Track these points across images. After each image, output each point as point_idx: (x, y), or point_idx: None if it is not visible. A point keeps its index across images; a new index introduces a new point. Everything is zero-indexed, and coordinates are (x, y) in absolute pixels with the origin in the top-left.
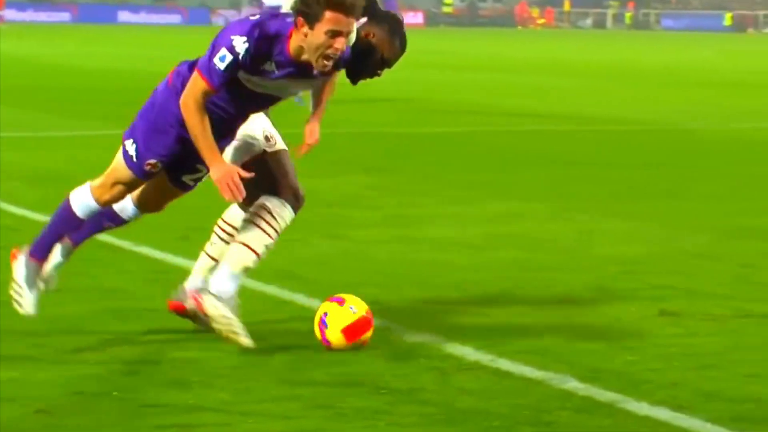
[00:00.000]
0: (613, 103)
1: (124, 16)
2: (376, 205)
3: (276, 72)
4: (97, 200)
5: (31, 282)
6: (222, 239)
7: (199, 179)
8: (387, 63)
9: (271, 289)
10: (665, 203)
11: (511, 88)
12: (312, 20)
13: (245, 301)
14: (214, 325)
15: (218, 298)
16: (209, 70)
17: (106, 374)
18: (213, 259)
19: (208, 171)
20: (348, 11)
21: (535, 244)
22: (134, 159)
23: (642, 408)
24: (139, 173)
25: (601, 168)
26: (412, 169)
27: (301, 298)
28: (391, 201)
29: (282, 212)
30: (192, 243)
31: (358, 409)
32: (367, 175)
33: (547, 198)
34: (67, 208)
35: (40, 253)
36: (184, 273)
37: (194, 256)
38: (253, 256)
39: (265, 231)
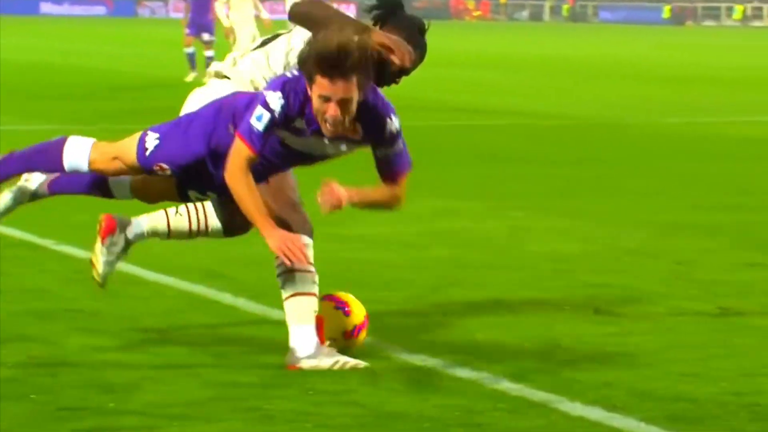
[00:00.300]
0: (548, 97)
1: (46, 7)
2: (307, 203)
3: (307, 130)
4: (89, 163)
5: None
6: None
7: (202, 200)
8: (404, 71)
9: (199, 289)
10: (600, 200)
11: (445, 82)
12: (309, 82)
13: (170, 301)
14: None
15: (309, 356)
16: (249, 133)
17: (24, 377)
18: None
19: (218, 197)
20: (333, 76)
21: (469, 241)
22: (147, 154)
23: (575, 408)
24: (146, 168)
25: (535, 164)
26: (344, 165)
27: (228, 298)
28: None
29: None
30: None
31: (285, 410)
32: (298, 172)
33: (482, 195)
34: (56, 150)
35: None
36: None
37: None
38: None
39: (303, 270)
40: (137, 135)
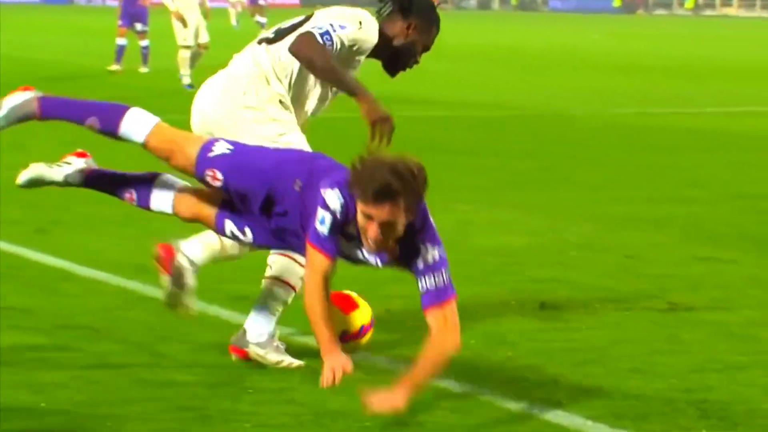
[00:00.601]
0: (496, 88)
1: None
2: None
3: (357, 237)
4: (145, 140)
5: (8, 116)
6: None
7: (235, 238)
8: (427, 49)
9: (134, 285)
10: (548, 193)
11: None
12: (356, 196)
13: (105, 297)
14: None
15: (259, 345)
16: (318, 239)
17: None
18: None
19: (252, 243)
20: (378, 200)
21: None
22: (210, 155)
23: (520, 406)
24: (198, 167)
25: (482, 156)
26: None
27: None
28: None
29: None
30: (49, 236)
31: (223, 410)
32: None
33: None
34: (118, 112)
35: (49, 106)
36: (40, 269)
37: (51, 250)
38: (292, 292)
39: (297, 261)
40: (207, 137)
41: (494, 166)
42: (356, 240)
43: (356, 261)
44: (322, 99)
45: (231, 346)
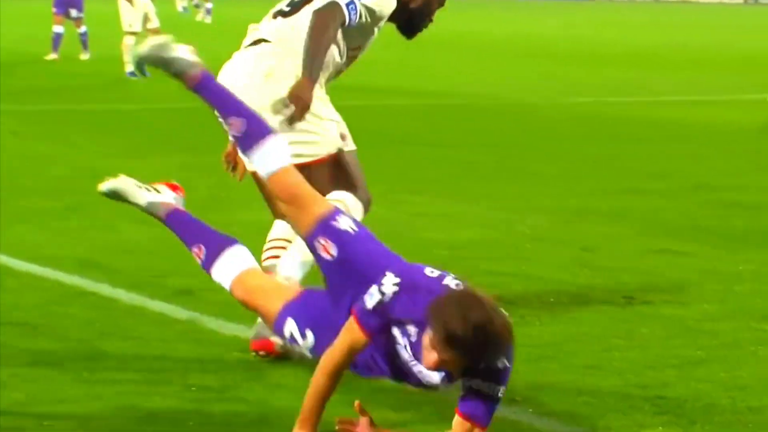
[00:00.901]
0: (449, 76)
1: None
2: (189, 187)
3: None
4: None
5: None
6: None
7: (291, 340)
8: (442, 4)
9: (73, 279)
10: (502, 184)
11: None
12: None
13: (44, 292)
14: None
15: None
16: (361, 312)
17: None
18: None
19: (308, 349)
20: (446, 345)
21: None
22: (330, 224)
23: None
24: (316, 230)
25: (434, 147)
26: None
27: (105, 289)
28: (205, 182)
29: (357, 210)
30: None
31: (165, 409)
32: (180, 155)
33: (376, 179)
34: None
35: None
36: None
37: None
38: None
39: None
40: (334, 205)
41: (447, 157)
42: (411, 344)
43: (405, 372)
44: (336, 72)
45: (255, 342)
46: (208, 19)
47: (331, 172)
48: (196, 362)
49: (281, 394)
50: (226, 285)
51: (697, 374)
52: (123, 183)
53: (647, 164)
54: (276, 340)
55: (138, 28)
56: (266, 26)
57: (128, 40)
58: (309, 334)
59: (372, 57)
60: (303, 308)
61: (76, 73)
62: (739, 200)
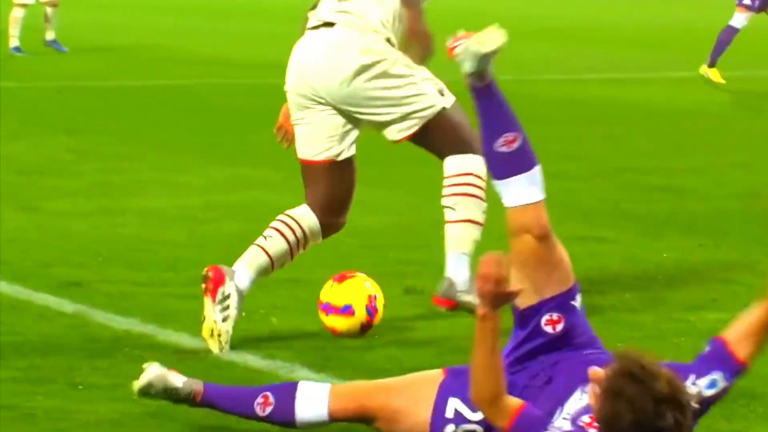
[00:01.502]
0: None
1: None
2: (76, 172)
3: None
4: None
5: None
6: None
7: (460, 420)
8: None
9: None
10: (411, 169)
11: (246, 35)
12: None
13: None
14: None
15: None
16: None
17: None
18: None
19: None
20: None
21: (263, 215)
22: (566, 302)
23: None
24: (540, 309)
25: None
26: (118, 129)
27: None
28: (94, 166)
29: (482, 170)
30: None
31: (48, 408)
32: (66, 137)
33: (278, 163)
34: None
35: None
36: None
37: None
38: (479, 228)
39: (481, 198)
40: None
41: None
42: None
43: None
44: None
45: (437, 299)
46: None
47: (443, 133)
48: (84, 359)
49: None
50: (323, 410)
51: None
52: (156, 371)
53: (562, 146)
54: (459, 299)
55: (30, 0)
56: (339, 8)
57: (17, 13)
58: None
59: (272, 32)
60: (461, 384)
61: None
62: (663, 184)
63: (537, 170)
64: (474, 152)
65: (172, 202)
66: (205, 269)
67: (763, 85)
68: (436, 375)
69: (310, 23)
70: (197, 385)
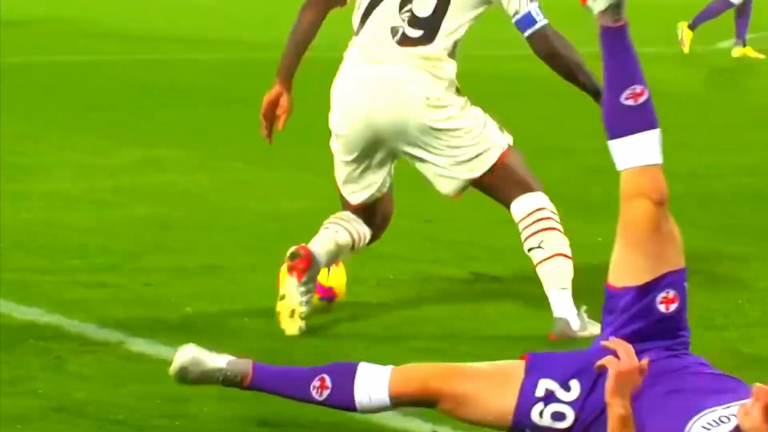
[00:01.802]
0: (276, 25)
1: None
2: None
3: None
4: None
5: None
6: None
7: (551, 399)
8: None
9: None
10: (329, 150)
11: (158, 8)
12: None
13: None
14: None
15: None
16: None
17: None
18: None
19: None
20: None
21: (177, 198)
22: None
23: None
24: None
25: (258, 107)
26: (20, 107)
27: None
28: None
29: (552, 205)
30: None
31: None
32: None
33: (193, 143)
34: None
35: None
36: None
37: None
38: (570, 261)
39: (561, 231)
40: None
41: None
42: None
43: None
44: None
45: (554, 338)
46: None
47: (508, 173)
48: None
49: (84, 386)
50: (384, 394)
51: None
52: (189, 353)
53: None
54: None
55: None
56: (406, 55)
57: None
58: (574, 383)
59: (206, 5)
60: (550, 366)
61: None
62: (598, 165)
63: (659, 131)
64: (539, 188)
65: (79, 185)
66: (295, 247)
67: (714, 60)
68: (518, 362)
69: (363, 57)
70: (245, 366)
